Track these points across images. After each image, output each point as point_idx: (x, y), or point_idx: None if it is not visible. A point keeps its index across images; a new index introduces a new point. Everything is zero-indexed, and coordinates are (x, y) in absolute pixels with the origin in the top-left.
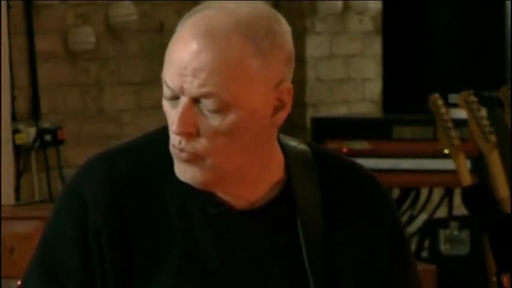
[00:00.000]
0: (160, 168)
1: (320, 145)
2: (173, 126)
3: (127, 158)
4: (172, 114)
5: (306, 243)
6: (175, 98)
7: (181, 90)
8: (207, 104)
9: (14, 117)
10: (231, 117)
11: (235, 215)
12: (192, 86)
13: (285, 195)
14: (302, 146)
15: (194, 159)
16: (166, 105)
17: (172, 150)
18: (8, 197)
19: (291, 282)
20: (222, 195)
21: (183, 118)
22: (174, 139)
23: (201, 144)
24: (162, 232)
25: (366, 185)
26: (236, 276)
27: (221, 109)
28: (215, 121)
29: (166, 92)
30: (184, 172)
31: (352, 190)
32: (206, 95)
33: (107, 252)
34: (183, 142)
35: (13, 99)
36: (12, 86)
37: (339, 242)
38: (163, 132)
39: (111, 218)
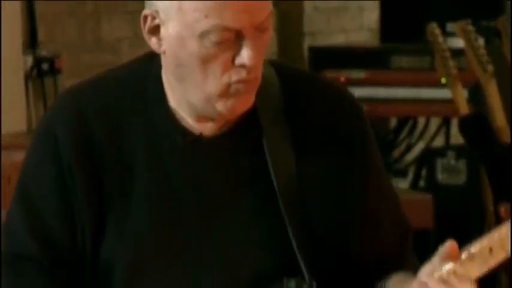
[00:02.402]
0: (127, 103)
1: (283, 62)
2: (242, 60)
3: (95, 93)
4: (222, 57)
5: (274, 165)
6: (227, 40)
7: (247, 23)
8: (264, 24)
9: None
10: (269, 33)
11: (204, 142)
12: (260, 12)
13: (251, 118)
14: (265, 66)
15: (256, 85)
16: (209, 54)
17: (235, 87)
18: (21, 124)
19: (262, 206)
20: (196, 123)
21: (256, 48)
22: (240, 73)
23: (259, 68)
24: (130, 168)
25: (333, 99)
26: (208, 203)
27: (268, 26)
28: (264, 41)
29: (219, 36)
30: (241, 104)
31: (319, 105)
32: (268, 16)
33: (81, 187)
34: (252, 72)
35: None
36: None
37: (308, 160)
38: (138, 66)
39: (81, 153)
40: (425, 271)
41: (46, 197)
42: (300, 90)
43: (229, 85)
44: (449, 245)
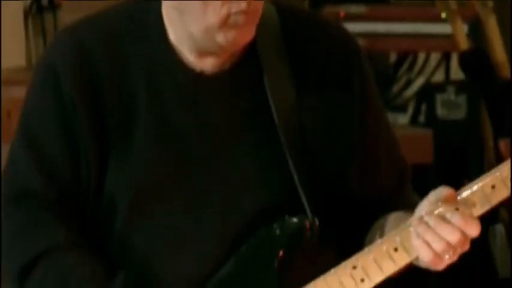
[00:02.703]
0: (128, 38)
1: (286, 2)
2: None
3: (96, 28)
4: None
5: (274, 100)
6: None
7: None
8: None
9: None
10: None
11: (205, 79)
12: None
13: (251, 56)
14: (265, 3)
15: (257, 17)
16: None
17: (235, 18)
18: (20, 60)
19: (263, 141)
20: (197, 60)
21: None
22: (240, 4)
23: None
24: (132, 104)
25: (332, 37)
26: (209, 140)
27: None
28: None
29: None
30: (241, 35)
31: (319, 42)
32: None
33: (83, 123)
34: (252, 4)
35: None
36: None
37: (308, 96)
38: (139, 2)
39: (82, 88)
40: (425, 209)
41: (49, 132)
42: (300, 28)
43: (229, 16)
44: (446, 191)
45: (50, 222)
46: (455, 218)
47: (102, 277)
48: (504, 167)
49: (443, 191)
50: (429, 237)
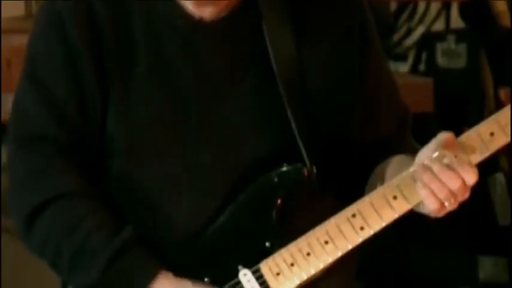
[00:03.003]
0: None
1: None
2: None
3: None
4: None
5: (273, 48)
6: None
7: None
8: None
9: None
10: None
11: (204, 26)
12: None
13: (250, 3)
14: None
15: None
16: None
17: None
18: (19, 9)
19: (261, 89)
20: (196, 9)
21: None
22: None
23: None
24: (131, 49)
25: None
26: (208, 87)
27: None
28: None
29: None
30: None
31: None
32: None
33: (88, 67)
34: None
35: None
36: None
37: (307, 44)
38: None
39: (85, 32)
40: (426, 156)
41: (57, 75)
42: None
43: None
44: (445, 136)
45: (62, 167)
46: (456, 165)
47: (112, 227)
48: (503, 114)
49: (443, 136)
50: (434, 185)
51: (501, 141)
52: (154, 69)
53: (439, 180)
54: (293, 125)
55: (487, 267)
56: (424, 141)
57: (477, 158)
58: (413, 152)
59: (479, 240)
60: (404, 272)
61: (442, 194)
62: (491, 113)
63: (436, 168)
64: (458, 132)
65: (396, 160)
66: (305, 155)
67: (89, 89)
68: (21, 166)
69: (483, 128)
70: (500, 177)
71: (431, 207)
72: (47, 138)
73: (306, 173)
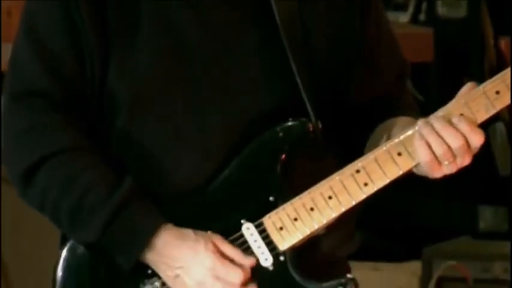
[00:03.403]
0: None
1: None
2: None
3: None
4: None
5: (277, 3)
6: None
7: None
8: None
9: None
10: None
11: None
12: None
13: None
14: None
15: None
16: None
17: None
18: None
19: (265, 43)
20: None
21: None
22: None
23: None
24: (135, 5)
25: None
26: (211, 42)
27: None
28: None
29: None
30: None
31: None
32: None
33: (88, 24)
34: None
35: None
36: None
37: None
38: None
39: None
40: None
41: (54, 29)
42: None
43: None
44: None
45: (58, 123)
46: (462, 124)
47: (111, 181)
48: (509, 73)
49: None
50: (431, 138)
51: (507, 99)
52: (158, 23)
53: (437, 134)
54: (297, 79)
55: (487, 216)
56: (424, 91)
57: (483, 116)
58: (411, 107)
59: (480, 190)
60: (405, 222)
61: (439, 150)
62: (491, 62)
63: (438, 124)
64: (458, 83)
65: (400, 120)
66: (310, 110)
67: (87, 44)
68: (17, 122)
69: (489, 86)
70: (500, 126)
71: (423, 159)
72: (43, 94)
73: (311, 127)
